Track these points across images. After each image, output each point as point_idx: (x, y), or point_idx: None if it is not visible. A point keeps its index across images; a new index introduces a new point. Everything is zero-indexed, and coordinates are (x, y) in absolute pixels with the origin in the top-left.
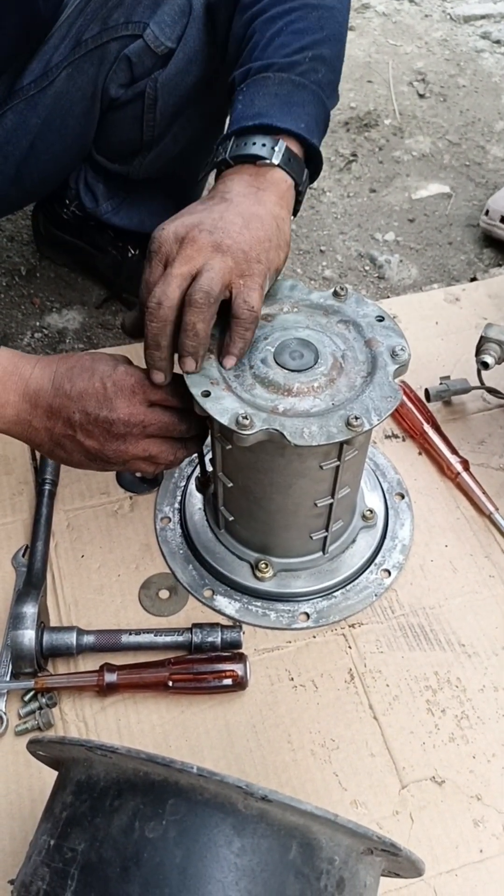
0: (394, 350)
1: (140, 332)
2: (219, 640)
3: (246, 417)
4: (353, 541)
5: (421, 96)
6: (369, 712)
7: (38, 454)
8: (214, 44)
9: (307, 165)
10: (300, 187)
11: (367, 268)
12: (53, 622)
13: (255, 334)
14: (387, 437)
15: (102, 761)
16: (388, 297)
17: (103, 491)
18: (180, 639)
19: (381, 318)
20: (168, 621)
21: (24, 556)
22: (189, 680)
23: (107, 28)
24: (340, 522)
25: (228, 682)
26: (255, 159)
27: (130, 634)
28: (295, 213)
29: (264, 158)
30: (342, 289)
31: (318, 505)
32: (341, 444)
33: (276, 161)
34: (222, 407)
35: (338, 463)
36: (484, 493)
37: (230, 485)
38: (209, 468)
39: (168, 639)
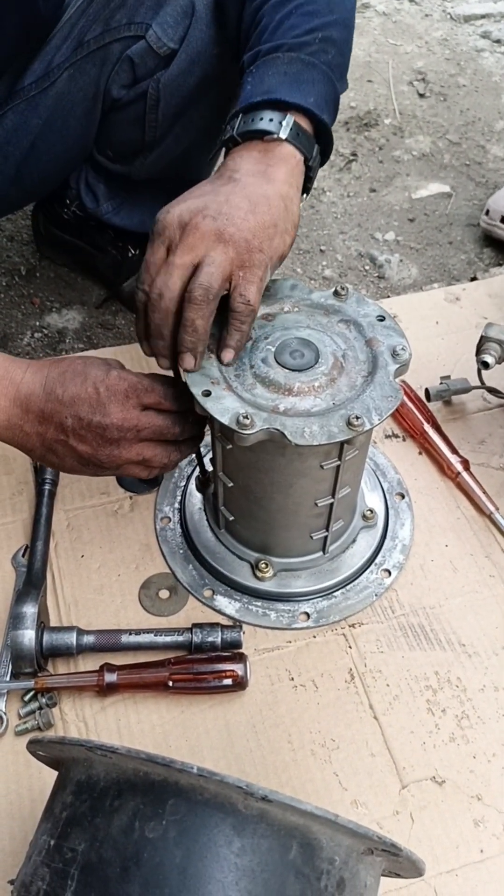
0: (394, 350)
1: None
2: (219, 639)
3: (247, 417)
4: (354, 541)
5: (421, 96)
6: (369, 712)
7: None
8: (218, 43)
9: (318, 142)
10: (310, 162)
11: (367, 267)
12: (53, 622)
13: (252, 329)
14: (387, 436)
15: (102, 761)
16: (389, 296)
17: (103, 491)
18: (180, 639)
19: (381, 318)
20: (168, 621)
21: (23, 555)
22: (189, 680)
23: (109, 29)
24: (341, 522)
25: (228, 682)
26: (262, 135)
27: (130, 634)
28: (307, 190)
29: (272, 133)
30: (343, 288)
31: (319, 505)
32: (342, 443)
33: (283, 135)
34: (223, 406)
35: (338, 462)
36: (484, 492)
37: (230, 484)
38: (209, 468)
39: (168, 639)
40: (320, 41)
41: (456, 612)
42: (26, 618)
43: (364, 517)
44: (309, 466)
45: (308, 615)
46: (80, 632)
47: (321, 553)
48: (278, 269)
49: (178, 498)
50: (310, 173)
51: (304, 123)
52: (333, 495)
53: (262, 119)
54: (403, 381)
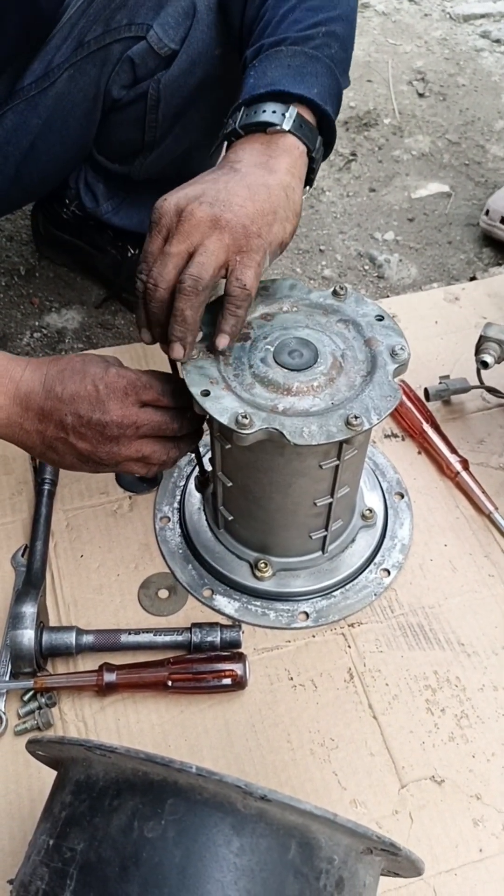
0: (393, 349)
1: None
2: (218, 639)
3: (245, 417)
4: (353, 540)
5: (420, 95)
6: (369, 712)
7: None
8: (219, 44)
9: (321, 134)
10: (313, 154)
11: (366, 267)
12: (53, 622)
13: (252, 329)
14: (386, 436)
15: (101, 761)
16: (388, 296)
17: (102, 491)
18: (179, 638)
19: (380, 318)
20: (167, 621)
21: (23, 555)
22: (188, 679)
23: (110, 29)
24: (340, 522)
25: (228, 681)
26: (265, 126)
27: (130, 634)
28: (310, 182)
29: (275, 125)
30: (342, 288)
31: (318, 504)
32: (341, 443)
33: (286, 127)
34: (222, 406)
35: (337, 462)
36: (483, 492)
37: (229, 484)
38: (208, 468)
39: (167, 638)
40: (324, 35)
41: (455, 612)
42: (25, 617)
43: (363, 517)
44: (308, 466)
45: (307, 615)
46: (80, 631)
47: (320, 553)
48: (277, 270)
49: (178, 498)
50: (313, 164)
51: (308, 115)
52: (332, 495)
53: (264, 111)
54: (402, 381)
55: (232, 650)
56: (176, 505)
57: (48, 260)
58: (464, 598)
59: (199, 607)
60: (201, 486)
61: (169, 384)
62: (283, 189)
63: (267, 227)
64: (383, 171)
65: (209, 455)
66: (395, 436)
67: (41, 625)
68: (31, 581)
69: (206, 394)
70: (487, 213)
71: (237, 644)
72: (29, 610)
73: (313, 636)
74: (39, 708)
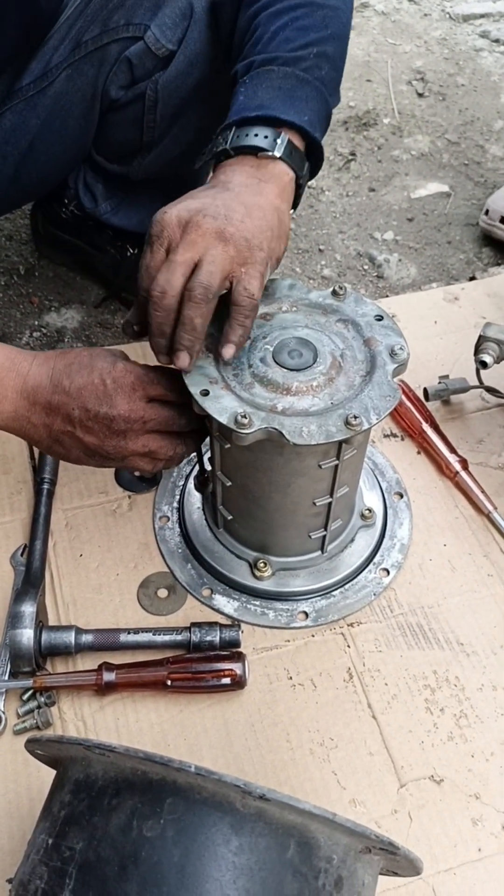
0: (392, 349)
1: (145, 330)
2: (217, 639)
3: (245, 416)
4: (352, 540)
5: (420, 95)
6: (368, 711)
7: (36, 453)
8: (216, 45)
9: (308, 159)
10: (301, 180)
11: (365, 267)
12: (52, 621)
13: (253, 324)
14: (385, 436)
15: (100, 760)
16: (387, 296)
17: (102, 490)
18: (179, 638)
19: (379, 318)
20: (167, 620)
21: (22, 555)
22: (187, 679)
23: (107, 30)
24: (339, 521)
25: (227, 681)
26: (256, 151)
27: (129, 633)
28: (295, 206)
29: (266, 150)
30: (341, 288)
31: (317, 504)
32: (340, 443)
33: (278, 154)
34: (221, 406)
35: (336, 462)
36: (483, 492)
37: (229, 484)
38: (208, 467)
39: (167, 638)
40: (315, 56)
41: (454, 612)
42: (25, 617)
43: (362, 516)
44: (307, 466)
45: (306, 614)
46: (79, 631)
47: (319, 552)
48: (277, 270)
49: (177, 497)
50: (299, 190)
51: (297, 141)
52: (332, 494)
53: (256, 135)
54: (402, 381)
55: (231, 650)
56: (175, 504)
57: (47, 259)
58: (463, 597)
59: (198, 607)
60: (201, 485)
61: (175, 380)
62: (275, 210)
63: (267, 240)
64: (383, 170)
65: (209, 454)
66: (395, 435)
67: (40, 624)
68: (31, 580)
69: (205, 393)
70: (487, 212)
71: (236, 643)
72: (28, 609)
73: (312, 636)
74: (38, 707)
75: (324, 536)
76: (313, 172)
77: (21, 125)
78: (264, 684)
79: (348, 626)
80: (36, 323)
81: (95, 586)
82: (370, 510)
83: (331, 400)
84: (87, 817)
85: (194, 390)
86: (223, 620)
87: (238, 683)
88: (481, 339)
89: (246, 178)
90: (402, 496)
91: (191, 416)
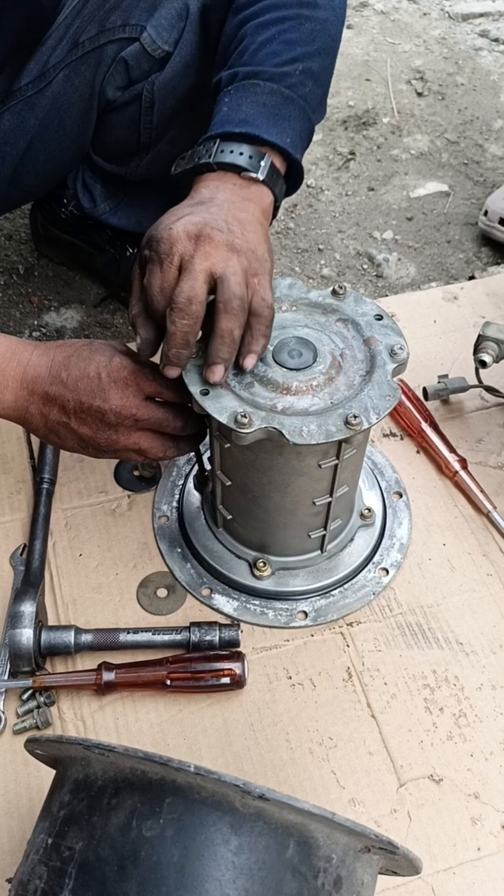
0: (392, 349)
1: (156, 350)
2: (217, 638)
3: (245, 416)
4: (352, 539)
5: (419, 94)
6: (367, 710)
7: (35, 453)
8: (211, 47)
9: (287, 178)
10: (277, 203)
11: (365, 266)
12: (51, 621)
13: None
14: (385, 435)
15: (100, 760)
16: (387, 295)
17: (101, 489)
18: (178, 637)
19: (379, 317)
20: (166, 620)
21: (22, 554)
22: (187, 678)
23: (104, 30)
24: (339, 521)
25: (226, 680)
26: (240, 170)
27: (128, 633)
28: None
29: (249, 171)
30: (341, 287)
31: (317, 503)
32: (340, 442)
33: (261, 177)
34: (221, 405)
35: (336, 461)
36: (482, 491)
37: (228, 483)
38: (207, 466)
39: (166, 637)
40: (300, 73)
41: (453, 611)
42: (24, 616)
43: (362, 516)
44: (307, 465)
45: (306, 614)
46: (78, 630)
47: (319, 552)
48: (276, 270)
49: (177, 496)
50: (275, 212)
51: (279, 163)
52: (331, 494)
53: (241, 154)
54: (401, 380)
55: (230, 649)
56: (175, 504)
57: (47, 259)
58: (462, 597)
59: (197, 606)
60: (200, 485)
61: (174, 380)
62: (262, 226)
63: (267, 252)
64: (382, 170)
65: (208, 454)
66: (394, 435)
67: (40, 624)
68: (30, 580)
69: (205, 393)
70: (486, 213)
71: (236, 643)
72: (28, 609)
73: (312, 635)
74: (38, 707)
75: (323, 536)
76: (290, 191)
77: (20, 125)
78: (264, 684)
79: (347, 625)
80: (35, 322)
81: (95, 586)
82: (369, 510)
83: (330, 399)
84: (87, 817)
85: (194, 389)
86: (222, 620)
87: (237, 683)
88: (480, 339)
89: (230, 194)
90: (401, 496)
91: (187, 419)
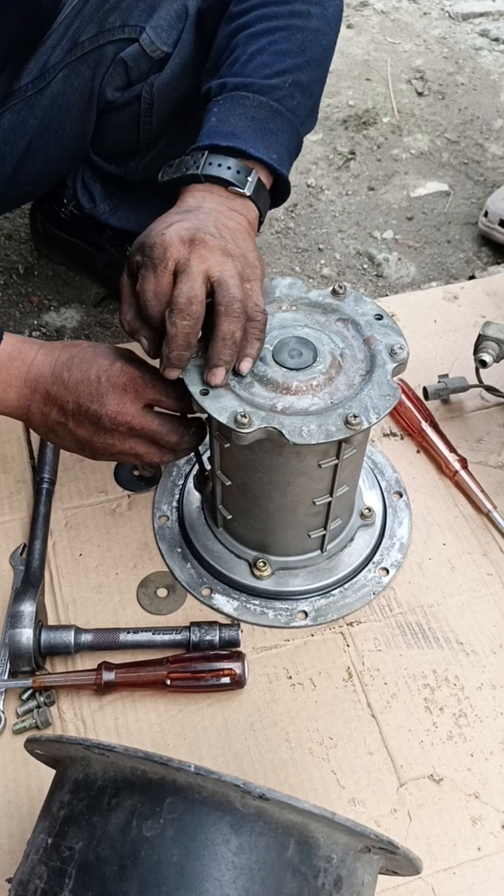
0: (392, 348)
1: (159, 353)
2: (217, 638)
3: (244, 416)
4: (352, 539)
5: (419, 94)
6: (367, 710)
7: (35, 453)
8: (209, 49)
9: (273, 192)
10: (261, 217)
11: (365, 266)
12: (51, 621)
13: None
14: (385, 435)
15: (100, 760)
16: (387, 295)
17: (101, 489)
18: (178, 637)
19: (379, 317)
20: (166, 620)
21: (22, 554)
22: (187, 678)
23: (103, 31)
24: (339, 521)
25: (226, 680)
26: (227, 184)
27: (128, 633)
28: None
29: (236, 186)
30: (341, 287)
31: (317, 503)
32: (340, 442)
33: (247, 192)
34: (221, 405)
35: (336, 461)
36: (482, 491)
37: (228, 483)
38: (208, 466)
39: (166, 637)
40: (290, 86)
41: (454, 611)
42: (24, 616)
43: (362, 516)
44: (307, 465)
45: (306, 613)
46: (78, 630)
47: (319, 551)
48: (276, 269)
49: (177, 496)
50: (259, 224)
51: (265, 177)
52: (331, 494)
53: (228, 168)
54: (401, 380)
55: (230, 649)
56: (175, 504)
57: (47, 258)
58: (462, 596)
59: (197, 606)
60: (200, 484)
61: (174, 384)
62: (250, 234)
63: (257, 259)
64: (382, 169)
65: (208, 454)
66: (394, 434)
67: (40, 623)
68: (30, 580)
69: (205, 392)
70: (486, 214)
71: (236, 643)
72: (27, 609)
73: (312, 635)
74: (38, 707)
75: (323, 536)
76: (275, 204)
77: (19, 125)
78: (264, 683)
79: (348, 625)
80: (35, 322)
81: (95, 586)
82: (369, 509)
83: (330, 399)
84: (87, 817)
85: (194, 389)
86: (223, 620)
87: (237, 683)
88: (481, 338)
89: (217, 204)
90: (401, 495)
91: (184, 433)
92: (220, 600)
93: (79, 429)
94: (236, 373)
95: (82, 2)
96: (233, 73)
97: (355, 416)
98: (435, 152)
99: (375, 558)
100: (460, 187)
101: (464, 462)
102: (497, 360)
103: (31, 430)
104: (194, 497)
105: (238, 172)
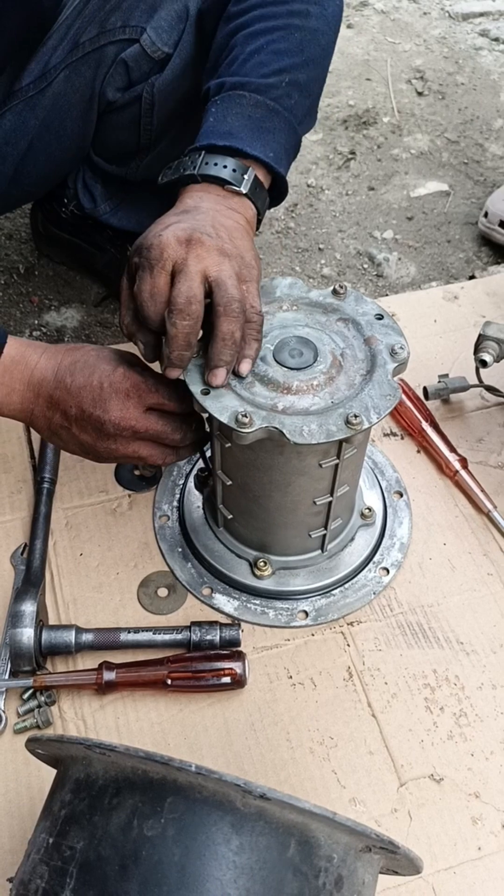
0: (393, 348)
1: (158, 353)
2: (217, 638)
3: (245, 415)
4: (352, 539)
5: (419, 94)
6: (368, 710)
7: (36, 453)
8: (209, 50)
9: (270, 191)
10: (259, 216)
11: (365, 266)
12: (52, 620)
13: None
14: (385, 435)
15: (101, 759)
16: (387, 295)
17: (102, 489)
18: (179, 637)
19: (380, 317)
20: (167, 619)
21: (22, 554)
22: (188, 678)
23: (104, 31)
24: (339, 520)
25: (227, 680)
26: (224, 183)
27: (129, 633)
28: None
29: (233, 184)
30: (341, 287)
31: (317, 503)
32: (340, 442)
33: (244, 190)
34: (222, 405)
35: (337, 461)
36: (482, 490)
37: (229, 483)
38: (208, 466)
39: (167, 637)
40: (287, 85)
41: (454, 611)
42: (25, 616)
43: (362, 515)
44: (307, 465)
45: (306, 613)
46: (79, 630)
47: (320, 551)
48: (276, 269)
49: (177, 496)
50: (257, 223)
51: (262, 175)
52: (332, 494)
53: (225, 167)
54: (402, 380)
55: (231, 649)
56: (175, 503)
57: (47, 258)
58: (463, 596)
59: (198, 606)
60: (201, 484)
61: (176, 388)
62: (248, 234)
63: (255, 259)
64: (382, 169)
65: (209, 453)
66: (395, 434)
67: (40, 623)
68: (31, 579)
69: (206, 392)
70: (486, 215)
71: (236, 642)
72: (28, 608)
73: (312, 635)
74: (39, 706)
75: (324, 535)
76: (274, 203)
77: (20, 126)
78: (264, 683)
79: (348, 625)
80: (36, 322)
81: (95, 585)
82: (370, 509)
83: (331, 399)
84: (88, 816)
85: (195, 389)
86: (223, 619)
87: (238, 682)
88: (481, 338)
89: (214, 203)
90: (401, 495)
91: (186, 431)
92: (221, 600)
93: (82, 433)
94: (236, 374)
95: (83, 2)
96: (230, 72)
97: (356, 416)
98: (435, 152)
99: (376, 558)
100: (460, 187)
101: (464, 462)
102: (497, 359)
103: (31, 430)
104: (195, 497)
105: (235, 171)
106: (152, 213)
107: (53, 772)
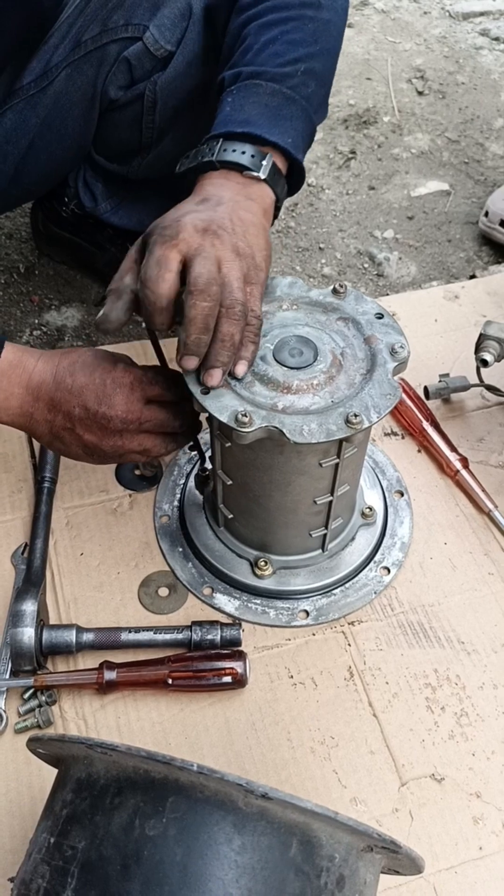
0: (393, 347)
1: (114, 327)
2: (218, 637)
3: (245, 415)
4: (353, 538)
5: (420, 93)
6: (369, 710)
7: (37, 452)
8: (214, 47)
9: (288, 178)
10: (278, 203)
11: (366, 265)
12: (53, 620)
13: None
14: (386, 434)
15: (102, 759)
16: (388, 294)
17: (102, 489)
18: (180, 636)
19: (380, 316)
20: (167, 619)
21: (23, 553)
22: (188, 677)
23: (106, 29)
24: (340, 520)
25: (228, 679)
26: (242, 168)
27: (130, 632)
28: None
29: (252, 170)
30: (341, 286)
31: (318, 502)
32: (340, 441)
33: (263, 175)
34: (221, 404)
35: (337, 460)
36: (483, 490)
37: (229, 482)
38: (209, 465)
39: (167, 636)
40: (303, 73)
41: (455, 610)
42: (26, 615)
43: (363, 515)
44: (308, 464)
45: (307, 613)
46: (80, 629)
47: (320, 551)
48: (277, 269)
49: (178, 496)
50: (276, 211)
51: (280, 162)
52: (332, 493)
53: (243, 153)
54: (402, 379)
55: (232, 648)
56: (176, 503)
57: (48, 257)
58: (464, 596)
59: (199, 605)
60: (201, 484)
61: (173, 380)
62: (264, 229)
63: (265, 260)
64: (383, 169)
65: (209, 453)
66: (395, 434)
67: (41, 623)
68: (31, 579)
69: (205, 392)
70: (487, 214)
71: (237, 642)
72: (29, 608)
73: (313, 634)
74: (39, 706)
75: (324, 535)
76: (291, 191)
77: (21, 124)
78: (265, 683)
79: (349, 624)
80: (36, 321)
81: (96, 585)
82: (371, 508)
83: (331, 398)
84: (89, 816)
85: (195, 389)
86: (224, 619)
87: (239, 682)
88: (482, 338)
89: (234, 193)
90: (402, 494)
91: (185, 416)
92: (222, 599)
93: (86, 433)
94: (232, 376)
95: (85, 1)
96: (245, 62)
97: (356, 415)
98: (435, 151)
99: (377, 557)
100: (461, 187)
101: (465, 461)
102: (498, 359)
103: None
104: (195, 496)
105: (253, 157)
106: (153, 211)
107: (54, 771)
